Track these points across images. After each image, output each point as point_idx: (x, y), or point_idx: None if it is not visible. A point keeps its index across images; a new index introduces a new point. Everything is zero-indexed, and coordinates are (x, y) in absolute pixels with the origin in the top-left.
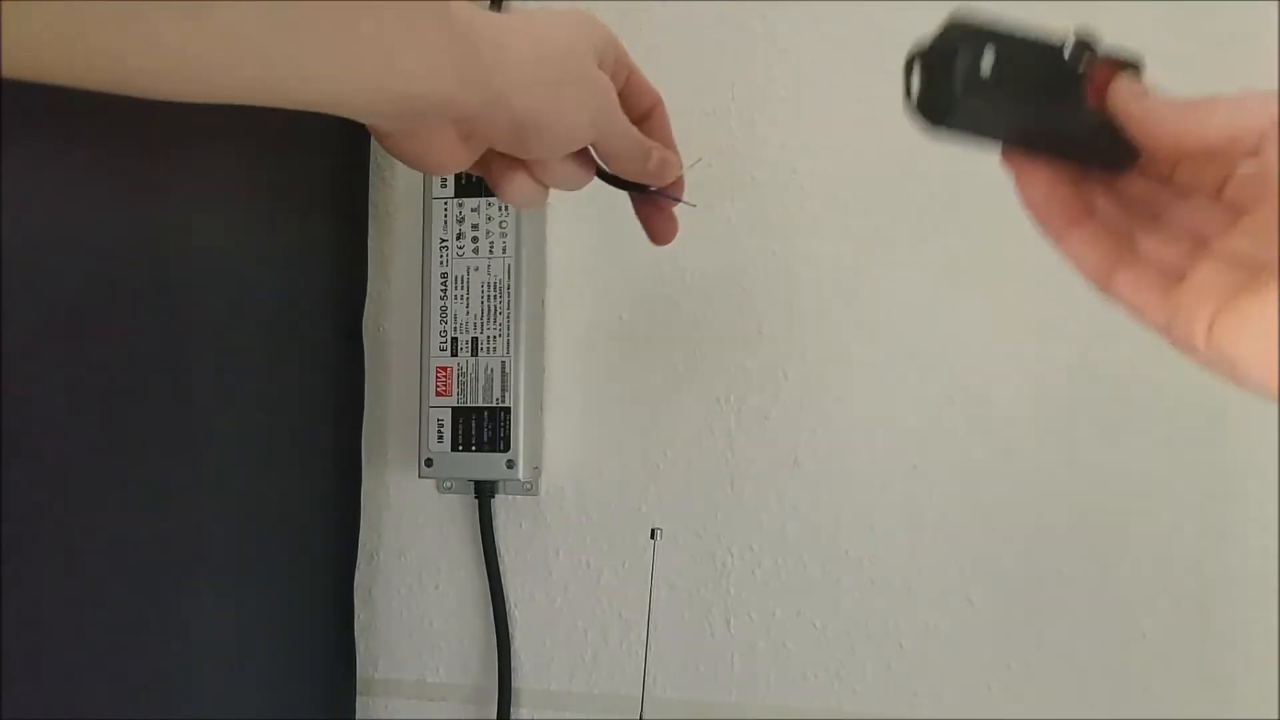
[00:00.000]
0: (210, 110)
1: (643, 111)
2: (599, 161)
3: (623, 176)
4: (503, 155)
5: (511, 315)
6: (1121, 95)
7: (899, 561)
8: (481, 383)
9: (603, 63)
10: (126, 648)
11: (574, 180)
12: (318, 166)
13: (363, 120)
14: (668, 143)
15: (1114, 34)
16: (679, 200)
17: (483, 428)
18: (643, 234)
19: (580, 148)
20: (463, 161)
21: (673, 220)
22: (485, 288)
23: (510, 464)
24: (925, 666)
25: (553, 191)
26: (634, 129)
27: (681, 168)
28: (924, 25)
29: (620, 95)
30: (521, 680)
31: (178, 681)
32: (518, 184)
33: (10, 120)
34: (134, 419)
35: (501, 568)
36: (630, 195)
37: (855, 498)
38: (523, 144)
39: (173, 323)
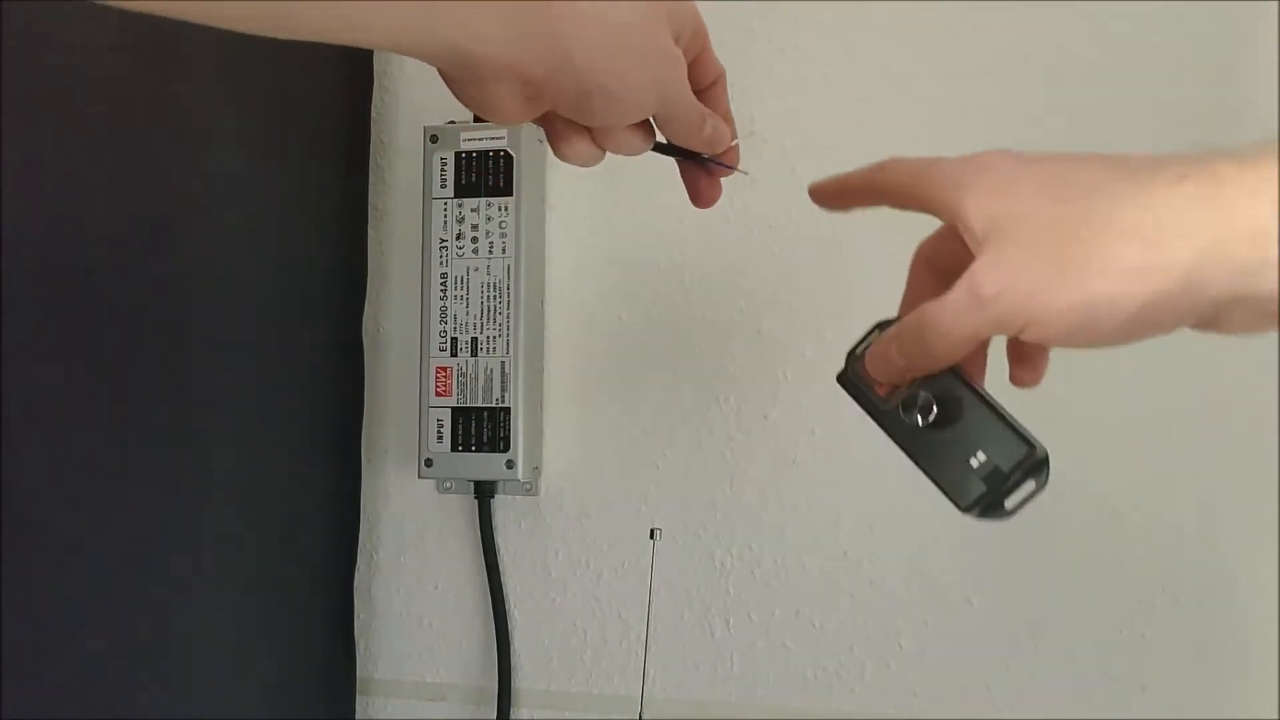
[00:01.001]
0: (210, 112)
1: (707, 84)
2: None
3: (676, 142)
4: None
5: (511, 315)
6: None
7: (898, 561)
8: (481, 383)
9: (679, 36)
10: (127, 648)
11: (633, 148)
12: (317, 167)
13: (428, 63)
14: (725, 115)
15: (1115, 35)
16: (733, 169)
17: (482, 428)
18: (641, 234)
19: (643, 118)
20: (523, 116)
21: (718, 185)
22: (485, 288)
23: (510, 464)
24: (924, 666)
25: (551, 192)
26: (694, 99)
27: (735, 138)
28: (923, 26)
29: (690, 66)
30: (521, 680)
31: (178, 681)
32: (577, 147)
33: (11, 118)
34: (134, 419)
35: (501, 568)
36: (678, 160)
37: (855, 498)
38: (587, 111)
39: (172, 323)
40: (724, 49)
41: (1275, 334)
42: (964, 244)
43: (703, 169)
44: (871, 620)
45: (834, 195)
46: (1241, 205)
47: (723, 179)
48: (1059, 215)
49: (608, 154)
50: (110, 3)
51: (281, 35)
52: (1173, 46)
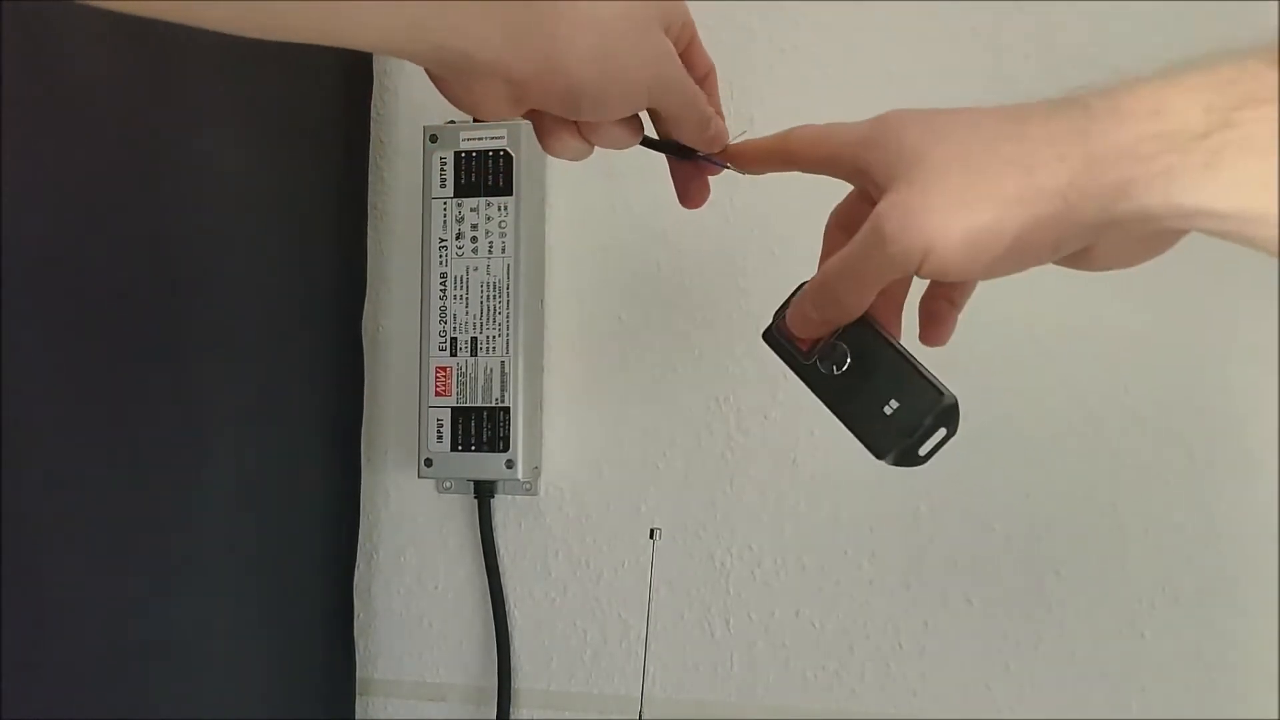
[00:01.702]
0: (209, 113)
1: (698, 78)
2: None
3: (680, 140)
4: None
5: (511, 315)
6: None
7: (897, 561)
8: (481, 383)
9: (669, 28)
10: (126, 648)
11: (621, 142)
12: (317, 167)
13: (413, 62)
14: (716, 111)
15: (1116, 35)
16: (727, 166)
17: (482, 428)
18: (642, 234)
19: (631, 114)
20: (510, 114)
21: (707, 186)
22: (484, 288)
23: (510, 464)
24: (924, 666)
25: (551, 192)
26: (700, 96)
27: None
28: (923, 26)
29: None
30: (521, 680)
31: (178, 681)
32: (565, 140)
33: (11, 119)
34: (134, 419)
35: (501, 568)
36: (668, 157)
37: (854, 498)
38: (575, 109)
39: (171, 323)
40: (724, 49)
41: (1275, 332)
42: (871, 204)
43: (693, 167)
44: (871, 620)
45: (749, 159)
46: (1105, 129)
47: (715, 178)
48: (949, 156)
49: (606, 151)
50: (91, 2)
51: (263, 36)
52: (1173, 46)
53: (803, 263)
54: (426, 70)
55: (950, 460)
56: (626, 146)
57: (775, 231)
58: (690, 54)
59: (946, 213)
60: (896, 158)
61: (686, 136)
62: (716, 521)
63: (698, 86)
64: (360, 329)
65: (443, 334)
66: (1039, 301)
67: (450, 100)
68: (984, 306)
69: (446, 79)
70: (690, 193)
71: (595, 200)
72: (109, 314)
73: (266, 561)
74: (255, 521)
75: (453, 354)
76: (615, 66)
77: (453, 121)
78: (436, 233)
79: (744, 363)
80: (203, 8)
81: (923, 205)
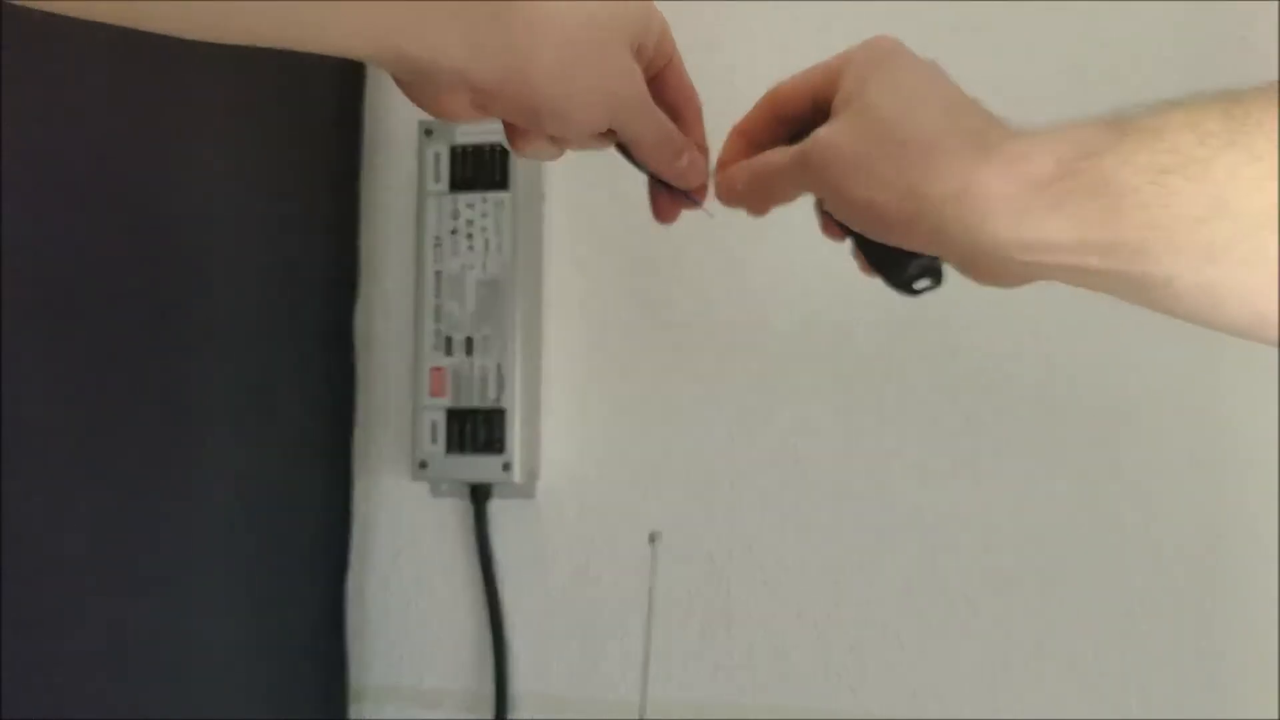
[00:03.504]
0: (200, 107)
1: (676, 106)
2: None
3: (649, 167)
4: None
5: (508, 314)
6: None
7: (898, 561)
8: (476, 383)
9: (641, 50)
10: (120, 652)
11: (591, 148)
12: (309, 162)
13: (376, 66)
14: (699, 144)
15: (1116, 34)
16: (699, 205)
17: (478, 429)
18: (641, 232)
19: (596, 133)
20: (475, 117)
21: (678, 205)
22: (480, 286)
23: (506, 466)
24: (924, 666)
25: (549, 188)
26: (667, 124)
27: (709, 174)
28: (923, 27)
29: (651, 82)
30: (520, 683)
31: (171, 685)
32: (534, 144)
33: (10, 118)
34: (125, 422)
35: (498, 571)
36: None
37: (855, 498)
38: (536, 121)
39: (163, 323)
40: (724, 50)
41: (1277, 335)
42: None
43: (666, 191)
44: (871, 620)
45: (735, 184)
46: (988, 171)
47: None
48: (893, 116)
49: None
50: (33, 5)
51: (223, 40)
52: (1173, 46)
53: (803, 263)
54: (392, 76)
55: (950, 460)
56: (599, 149)
57: (776, 232)
58: (664, 80)
59: (859, 179)
60: (857, 90)
61: (651, 164)
62: (716, 521)
63: (664, 118)
64: (353, 328)
65: (438, 333)
66: (1040, 303)
67: (416, 104)
68: (985, 308)
69: (411, 84)
70: (661, 210)
71: (594, 197)
72: (101, 315)
73: (258, 565)
74: (247, 525)
75: (448, 354)
76: (576, 82)
77: None
78: (431, 229)
79: (745, 363)
80: (147, 9)
81: (848, 156)
